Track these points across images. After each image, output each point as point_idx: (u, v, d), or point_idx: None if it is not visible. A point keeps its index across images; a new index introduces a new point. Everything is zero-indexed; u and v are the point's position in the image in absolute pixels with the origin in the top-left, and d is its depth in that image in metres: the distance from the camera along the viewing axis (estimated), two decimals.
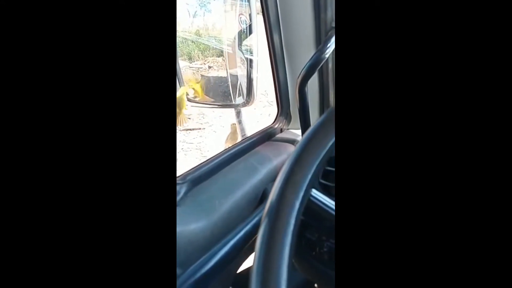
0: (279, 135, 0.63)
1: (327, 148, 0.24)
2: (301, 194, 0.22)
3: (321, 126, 0.25)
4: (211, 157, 0.50)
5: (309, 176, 0.23)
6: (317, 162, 0.24)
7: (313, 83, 0.61)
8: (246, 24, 0.74)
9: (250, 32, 0.72)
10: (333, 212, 0.35)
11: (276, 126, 0.62)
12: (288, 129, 0.65)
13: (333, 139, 0.24)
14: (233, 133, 0.88)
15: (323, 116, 0.25)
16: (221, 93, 0.89)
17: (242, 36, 0.78)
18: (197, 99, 0.84)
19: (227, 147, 0.54)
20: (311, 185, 0.24)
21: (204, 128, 2.36)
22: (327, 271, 0.38)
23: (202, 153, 2.15)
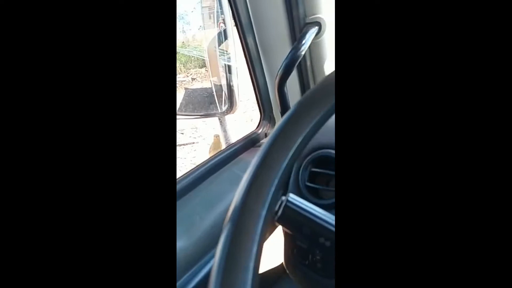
0: (264, 141, 0.60)
1: (296, 146, 0.21)
2: (267, 201, 0.19)
3: (288, 122, 0.22)
4: (191, 170, 0.47)
5: (276, 180, 0.20)
6: (285, 163, 0.21)
7: (294, 82, 0.58)
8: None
9: (226, 38, 0.70)
10: (312, 217, 0.33)
11: (260, 131, 0.60)
12: None
13: (303, 136, 0.21)
14: (216, 143, 0.85)
15: (289, 112, 0.22)
16: (206, 103, 0.87)
17: (221, 44, 0.77)
18: None
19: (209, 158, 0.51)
20: (280, 190, 0.21)
21: (198, 142, 2.33)
22: (321, 279, 0.35)
23: None
